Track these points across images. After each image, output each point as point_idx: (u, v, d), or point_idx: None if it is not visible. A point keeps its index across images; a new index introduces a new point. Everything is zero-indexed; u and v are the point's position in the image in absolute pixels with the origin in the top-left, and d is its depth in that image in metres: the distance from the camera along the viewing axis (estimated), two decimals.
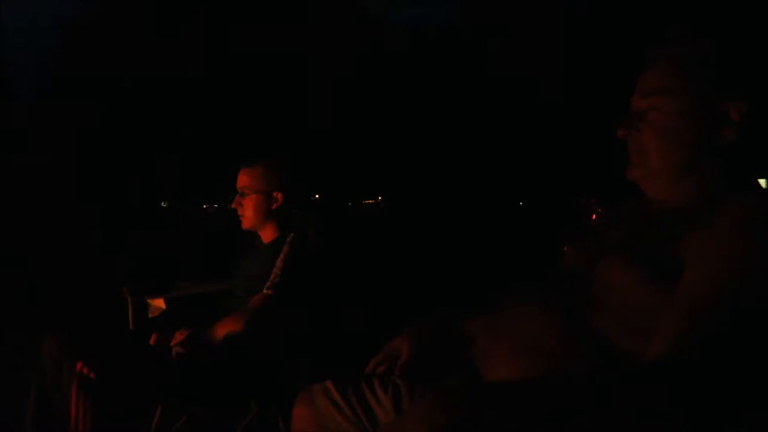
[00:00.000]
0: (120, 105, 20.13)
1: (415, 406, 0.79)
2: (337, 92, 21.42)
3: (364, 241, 10.66)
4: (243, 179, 2.06)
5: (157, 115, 20.55)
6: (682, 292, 0.87)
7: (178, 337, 1.81)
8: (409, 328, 1.23)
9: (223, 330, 1.81)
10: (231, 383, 1.80)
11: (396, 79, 22.48)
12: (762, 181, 1.04)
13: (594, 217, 9.15)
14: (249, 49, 20.48)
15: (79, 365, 1.61)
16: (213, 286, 2.34)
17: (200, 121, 21.07)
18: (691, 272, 0.88)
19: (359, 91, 22.06)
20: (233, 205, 2.09)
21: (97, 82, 19.90)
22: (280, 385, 1.87)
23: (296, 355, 1.94)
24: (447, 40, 23.46)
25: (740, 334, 0.81)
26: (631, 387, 0.78)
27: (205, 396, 1.79)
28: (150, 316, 2.35)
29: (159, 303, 2.33)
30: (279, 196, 2.05)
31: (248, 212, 2.05)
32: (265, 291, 1.88)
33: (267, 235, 2.10)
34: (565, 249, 1.17)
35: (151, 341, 1.87)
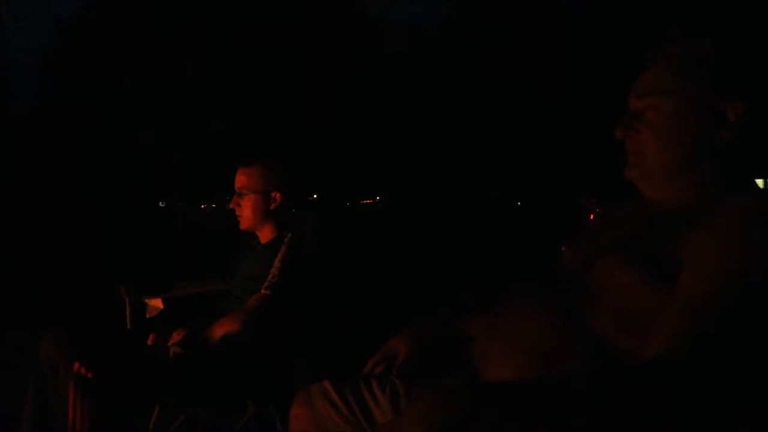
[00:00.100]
0: (119, 105, 20.16)
1: (413, 406, 0.79)
2: (336, 92, 21.45)
3: (362, 241, 10.67)
4: (241, 179, 2.06)
5: (157, 115, 20.57)
6: (681, 293, 0.87)
7: (176, 337, 1.81)
8: (407, 328, 1.23)
9: (220, 330, 1.81)
10: (229, 383, 1.80)
11: (396, 79, 22.51)
12: (759, 182, 1.04)
13: (592, 217, 9.14)
14: (249, 49, 20.51)
15: (76, 365, 1.61)
16: (211, 286, 2.33)
17: (199, 121, 21.10)
18: (689, 272, 0.88)
19: (359, 91, 22.09)
20: (231, 205, 2.08)
21: (97, 82, 19.93)
22: (277, 385, 1.87)
23: (294, 355, 1.94)
24: (447, 40, 23.48)
25: (738, 334, 0.81)
26: (629, 387, 0.78)
27: (202, 396, 1.79)
28: (148, 316, 2.34)
29: (157, 303, 2.33)
30: (277, 196, 2.04)
31: (246, 212, 2.05)
32: (262, 291, 1.88)
33: (265, 235, 2.09)
34: (564, 249, 1.17)
35: (149, 341, 1.87)
